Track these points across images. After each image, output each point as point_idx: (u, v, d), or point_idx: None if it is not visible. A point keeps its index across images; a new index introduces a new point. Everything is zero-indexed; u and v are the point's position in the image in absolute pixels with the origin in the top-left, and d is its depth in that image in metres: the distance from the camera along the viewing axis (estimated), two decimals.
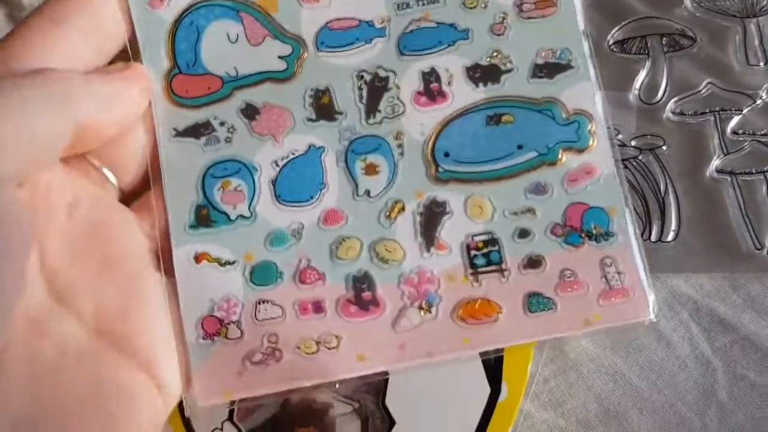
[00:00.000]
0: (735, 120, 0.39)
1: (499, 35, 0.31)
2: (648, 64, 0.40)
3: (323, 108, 0.31)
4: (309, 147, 0.31)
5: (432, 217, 0.30)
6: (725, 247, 0.39)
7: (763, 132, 0.39)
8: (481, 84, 0.31)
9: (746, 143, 0.39)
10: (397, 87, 0.31)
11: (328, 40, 0.31)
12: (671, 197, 0.39)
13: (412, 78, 0.31)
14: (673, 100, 0.39)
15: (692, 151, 0.39)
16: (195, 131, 0.31)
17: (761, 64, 0.40)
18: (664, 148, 0.39)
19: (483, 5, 0.31)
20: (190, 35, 0.31)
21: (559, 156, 0.30)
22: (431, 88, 0.31)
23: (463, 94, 0.31)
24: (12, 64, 0.27)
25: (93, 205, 0.29)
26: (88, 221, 0.28)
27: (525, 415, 0.38)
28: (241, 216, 0.30)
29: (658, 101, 0.39)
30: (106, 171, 0.30)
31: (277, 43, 0.31)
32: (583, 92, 0.31)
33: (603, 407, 0.38)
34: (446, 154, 0.31)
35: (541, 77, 0.31)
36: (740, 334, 0.39)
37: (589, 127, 0.30)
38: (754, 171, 0.39)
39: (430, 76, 0.31)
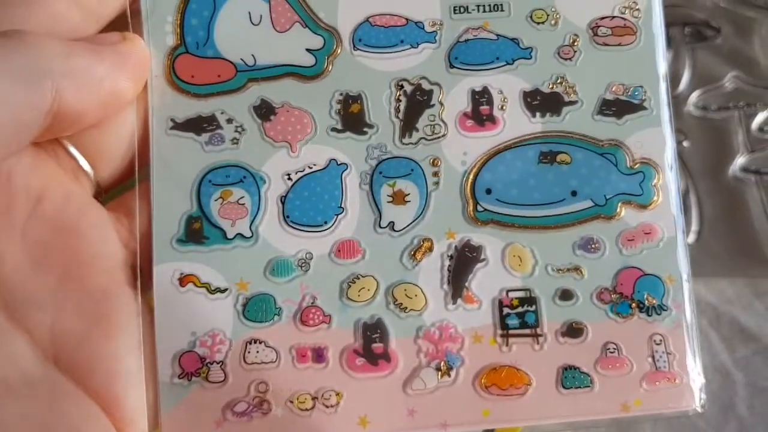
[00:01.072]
0: (761, 116, 0.37)
1: (566, 59, 0.26)
2: (669, 54, 0.36)
3: (352, 118, 0.26)
4: (329, 162, 0.26)
5: (463, 262, 0.26)
6: (748, 251, 0.36)
7: None
8: (538, 114, 0.26)
9: None
10: (441, 104, 0.26)
11: (368, 37, 0.26)
12: (692, 197, 0.36)
13: (459, 96, 0.26)
14: (695, 93, 0.36)
15: (715, 147, 0.37)
16: (196, 125, 0.26)
17: None
18: (685, 144, 0.36)
19: (553, 22, 0.26)
20: (205, 9, 0.26)
21: (618, 210, 0.26)
22: (480, 111, 0.26)
23: (516, 122, 0.26)
24: None
25: (62, 202, 0.24)
26: (54, 221, 0.24)
27: None
28: (240, 235, 0.25)
29: (680, 93, 0.36)
30: (81, 160, 0.25)
31: (307, 33, 0.26)
32: (654, 139, 0.26)
33: (615, 418, 0.35)
34: (488, 191, 0.26)
35: (608, 115, 0.26)
36: (762, 344, 0.37)
37: (655, 180, 0.26)
38: None
39: (481, 97, 0.26)
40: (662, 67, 0.26)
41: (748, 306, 0.37)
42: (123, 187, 0.26)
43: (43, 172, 0.24)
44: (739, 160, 0.36)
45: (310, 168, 0.26)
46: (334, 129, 0.26)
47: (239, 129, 0.26)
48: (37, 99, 0.21)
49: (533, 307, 0.26)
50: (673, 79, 0.36)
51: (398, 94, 0.26)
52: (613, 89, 0.27)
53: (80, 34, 0.24)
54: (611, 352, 0.26)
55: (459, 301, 0.25)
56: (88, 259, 0.24)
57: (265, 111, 0.26)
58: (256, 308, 0.25)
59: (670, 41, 0.36)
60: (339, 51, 0.26)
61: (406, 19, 0.26)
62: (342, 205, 0.26)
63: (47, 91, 0.21)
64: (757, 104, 0.37)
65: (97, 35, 0.24)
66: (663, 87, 0.26)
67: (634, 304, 0.26)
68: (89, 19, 0.24)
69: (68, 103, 0.22)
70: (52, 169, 0.24)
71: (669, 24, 0.35)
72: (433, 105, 0.26)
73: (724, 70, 0.37)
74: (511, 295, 0.26)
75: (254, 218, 0.25)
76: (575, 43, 0.26)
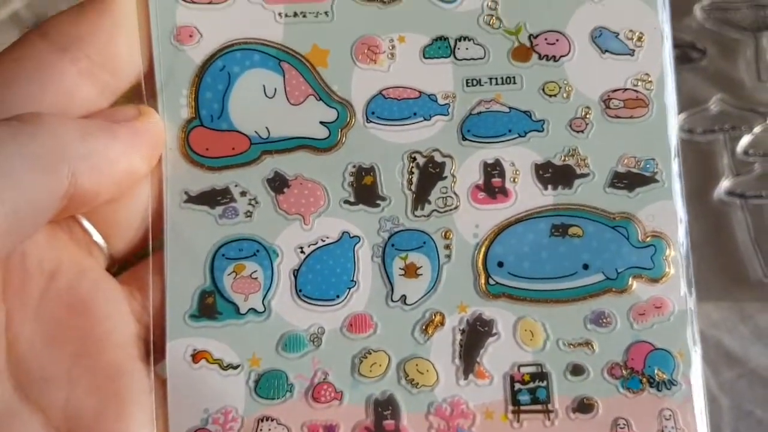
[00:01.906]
0: (746, 139, 0.37)
1: (578, 132, 0.26)
2: None
3: (365, 190, 0.26)
4: (342, 235, 0.26)
5: (475, 337, 0.26)
6: (733, 274, 0.37)
7: None
8: (550, 186, 0.26)
9: (757, 164, 0.37)
10: (453, 177, 0.26)
11: (381, 109, 0.26)
12: None
13: (472, 168, 0.26)
14: (681, 116, 0.36)
15: (700, 170, 0.37)
16: (210, 198, 0.26)
17: None
18: None
19: (565, 95, 0.26)
20: (220, 82, 0.26)
21: (629, 283, 0.26)
22: (492, 184, 0.26)
23: (528, 195, 0.26)
24: None
25: (75, 277, 0.24)
26: (67, 297, 0.24)
27: None
28: (253, 310, 0.25)
29: None
30: (95, 234, 0.25)
31: (321, 105, 0.26)
32: (665, 212, 0.26)
33: None
34: (500, 264, 0.26)
35: (619, 188, 0.26)
36: (747, 368, 0.37)
37: (666, 253, 0.26)
38: (764, 194, 0.37)
39: (493, 169, 0.26)
40: (674, 139, 0.27)
41: (733, 329, 0.37)
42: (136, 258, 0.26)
43: (57, 248, 0.24)
44: (725, 184, 0.37)
45: (323, 241, 0.26)
46: (346, 201, 0.26)
47: (253, 202, 0.26)
48: (54, 184, 0.21)
49: (544, 383, 0.26)
50: None
51: (411, 166, 0.26)
52: (625, 162, 0.27)
53: (94, 108, 0.24)
54: (621, 428, 0.26)
55: (470, 376, 0.26)
56: (102, 335, 0.24)
57: (278, 183, 0.26)
58: (268, 385, 0.25)
59: None
60: (352, 123, 0.26)
61: (419, 92, 0.26)
62: (354, 279, 0.26)
63: (64, 176, 0.21)
64: (743, 127, 0.37)
65: (113, 110, 0.25)
66: (674, 158, 0.26)
67: (644, 379, 0.26)
68: (103, 93, 0.24)
69: (84, 185, 0.22)
70: (65, 243, 0.24)
71: None
72: (446, 177, 0.26)
73: (710, 92, 0.37)
74: (523, 370, 0.26)
75: (267, 292, 0.25)
76: (587, 116, 0.27)
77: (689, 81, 0.37)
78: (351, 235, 0.26)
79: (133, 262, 0.26)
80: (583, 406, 0.26)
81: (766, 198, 0.37)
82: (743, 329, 0.37)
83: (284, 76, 0.26)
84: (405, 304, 0.26)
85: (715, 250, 0.36)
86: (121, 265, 0.26)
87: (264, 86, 0.26)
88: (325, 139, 0.26)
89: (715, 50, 0.37)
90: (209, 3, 0.26)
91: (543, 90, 0.26)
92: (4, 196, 0.20)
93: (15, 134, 0.21)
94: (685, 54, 0.37)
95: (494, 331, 0.26)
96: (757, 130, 0.37)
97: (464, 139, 0.26)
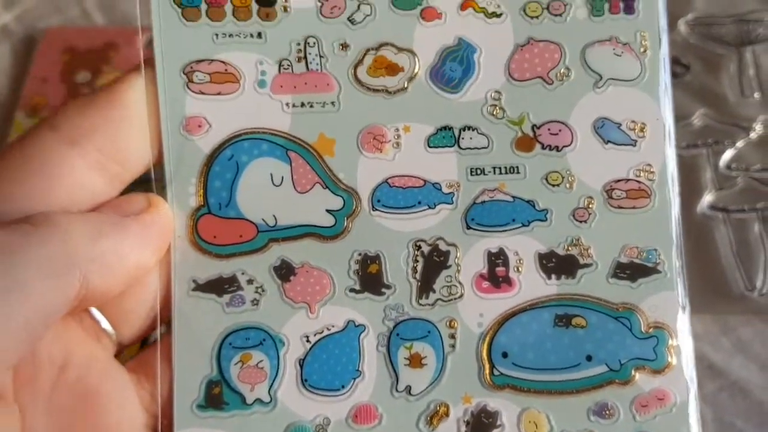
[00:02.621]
0: (728, 153, 0.38)
1: (581, 222, 0.27)
2: None
3: (370, 278, 0.26)
4: (348, 323, 0.26)
5: (480, 429, 0.26)
6: (715, 287, 0.37)
7: (756, 167, 0.38)
8: (554, 276, 0.27)
9: (739, 178, 0.38)
10: (458, 265, 0.27)
11: (387, 198, 0.27)
12: None
13: (476, 257, 0.27)
14: None
15: (683, 184, 0.37)
16: (218, 287, 0.26)
17: (756, 95, 0.39)
18: None
19: (568, 185, 0.27)
20: (228, 171, 0.26)
21: (632, 375, 0.26)
22: (496, 273, 0.27)
23: (532, 284, 0.27)
24: (7, 192, 0.23)
25: (85, 367, 0.24)
26: (77, 387, 0.24)
27: None
28: (259, 400, 0.25)
29: None
30: (104, 322, 0.25)
31: (328, 194, 0.26)
32: (667, 303, 0.27)
33: None
34: (504, 355, 0.26)
35: (622, 278, 0.27)
36: (729, 380, 0.37)
37: (669, 343, 0.26)
38: (746, 208, 0.37)
39: (497, 258, 0.27)
40: (675, 228, 0.27)
41: (715, 342, 0.38)
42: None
43: (67, 338, 0.24)
44: (707, 198, 0.37)
45: (329, 330, 0.26)
46: (352, 290, 0.26)
47: (259, 290, 0.26)
48: (65, 289, 0.21)
49: None
50: None
51: (416, 254, 0.26)
52: (628, 252, 0.27)
53: (104, 198, 0.25)
54: None
55: None
56: (111, 425, 0.24)
57: (284, 271, 0.26)
58: None
59: None
60: (358, 211, 0.26)
61: (424, 181, 0.27)
62: (359, 368, 0.26)
63: (75, 279, 0.22)
64: (726, 142, 0.38)
65: (122, 200, 0.25)
66: (675, 249, 0.27)
67: None
68: (113, 183, 0.25)
69: (95, 285, 0.22)
70: (75, 333, 0.24)
71: None
72: (450, 266, 0.27)
73: (694, 107, 0.38)
74: None
75: (273, 382, 0.26)
76: (590, 206, 0.27)
77: (673, 96, 0.37)
78: (356, 324, 0.26)
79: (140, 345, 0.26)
80: None
81: (748, 212, 0.37)
82: (725, 342, 0.38)
83: (291, 165, 0.26)
84: (410, 394, 0.26)
85: (698, 263, 0.36)
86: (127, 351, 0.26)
87: (271, 174, 0.26)
88: (331, 227, 0.26)
89: (700, 65, 0.38)
90: (218, 94, 0.26)
91: (546, 180, 0.27)
92: (17, 309, 0.20)
93: (26, 241, 0.21)
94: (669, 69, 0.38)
95: (498, 422, 0.26)
96: (739, 144, 0.38)
97: (468, 227, 0.27)
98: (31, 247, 0.21)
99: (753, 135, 0.38)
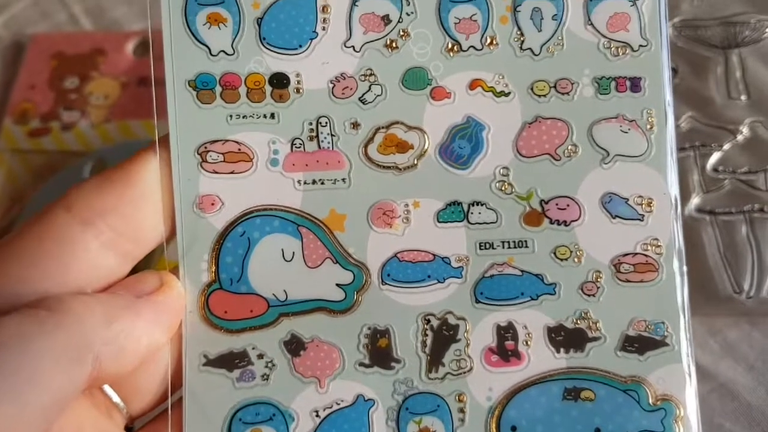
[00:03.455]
0: (715, 156, 0.38)
1: (590, 295, 0.27)
2: None
3: (379, 352, 0.27)
4: (357, 398, 0.26)
5: None
6: (702, 289, 0.37)
7: (743, 169, 0.38)
8: (562, 350, 0.27)
9: (726, 181, 0.38)
10: (467, 339, 0.27)
11: (396, 272, 0.27)
12: None
13: (485, 331, 0.27)
14: None
15: None
16: (228, 362, 0.26)
17: (743, 97, 0.38)
18: None
19: (576, 259, 0.27)
20: (239, 247, 0.27)
21: None
22: (506, 346, 0.27)
23: (541, 358, 0.27)
24: (22, 274, 0.23)
25: None
26: None
27: None
28: None
29: None
30: (115, 397, 0.25)
31: (338, 269, 0.27)
32: (674, 376, 0.27)
33: None
34: (513, 429, 0.26)
35: (630, 351, 0.27)
36: (717, 381, 0.37)
37: (676, 413, 0.26)
38: (733, 210, 0.37)
39: (506, 332, 0.27)
40: (682, 299, 0.27)
41: (703, 344, 0.38)
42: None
43: (78, 415, 0.24)
44: (695, 200, 0.37)
45: (338, 405, 0.26)
46: (361, 364, 0.27)
47: (270, 365, 0.26)
48: (79, 373, 0.22)
49: None
50: None
51: (425, 328, 0.27)
52: (636, 325, 0.27)
53: (116, 276, 0.25)
54: None
55: None
56: None
57: (295, 346, 0.27)
58: None
59: None
60: (368, 286, 0.27)
61: (433, 255, 0.27)
62: None
63: (88, 363, 0.22)
64: (713, 144, 0.38)
65: (135, 280, 0.25)
66: (683, 321, 0.27)
67: None
68: (126, 260, 0.25)
69: (108, 367, 0.23)
70: (86, 409, 0.25)
71: None
72: (459, 340, 0.27)
73: (681, 110, 0.38)
74: None
75: None
76: (598, 279, 0.27)
77: None
78: (366, 399, 0.26)
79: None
80: None
81: (735, 214, 0.37)
82: (713, 344, 0.38)
83: (302, 241, 0.27)
84: None
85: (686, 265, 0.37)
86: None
87: (282, 250, 0.27)
88: (341, 301, 0.27)
89: (686, 68, 0.38)
90: (231, 173, 0.27)
91: (555, 254, 0.27)
92: (32, 398, 0.20)
93: (41, 329, 0.21)
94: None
95: None
96: (726, 147, 0.38)
97: (477, 301, 0.27)
98: (45, 334, 0.21)
99: (740, 137, 0.38)
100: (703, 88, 0.38)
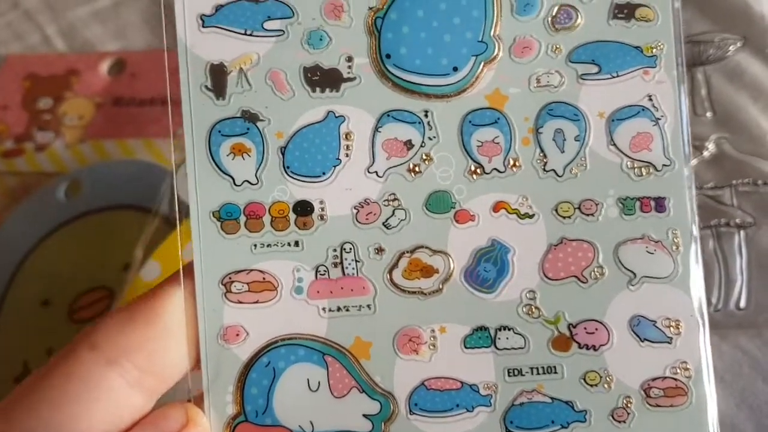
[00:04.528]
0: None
1: (620, 422, 0.27)
2: None
3: None
4: None
5: None
6: None
7: (710, 185, 0.38)
8: None
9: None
10: None
11: (424, 401, 0.26)
12: None
13: None
14: None
15: None
16: None
17: (708, 114, 0.39)
18: None
19: (606, 384, 0.27)
20: (265, 378, 0.26)
21: None
22: None
23: None
24: (47, 416, 0.23)
25: None
26: None
27: None
28: None
29: None
30: None
31: (365, 398, 0.26)
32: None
33: None
34: None
35: None
36: None
37: None
38: (701, 225, 0.37)
39: None
40: (713, 425, 0.27)
41: None
42: None
43: None
44: None
45: None
46: None
47: None
48: None
49: None
50: None
51: None
52: None
53: (141, 414, 0.25)
54: None
55: None
56: None
57: None
58: None
59: None
60: (395, 416, 0.26)
61: (461, 383, 0.27)
62: None
63: None
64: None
65: (160, 417, 0.25)
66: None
67: None
68: (150, 397, 0.25)
69: None
70: None
71: None
72: None
73: None
74: None
75: None
76: (628, 405, 0.27)
77: None
78: None
79: None
80: None
81: (703, 229, 0.37)
82: None
83: (328, 370, 0.26)
84: None
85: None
86: None
87: (308, 380, 0.26)
88: None
89: None
90: (255, 302, 0.26)
91: (584, 380, 0.27)
92: None
93: None
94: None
95: None
96: (693, 163, 0.38)
97: (507, 430, 0.26)
98: None
99: (706, 153, 0.39)
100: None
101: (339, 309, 0.27)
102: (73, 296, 0.42)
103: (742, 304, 0.39)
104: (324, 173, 0.27)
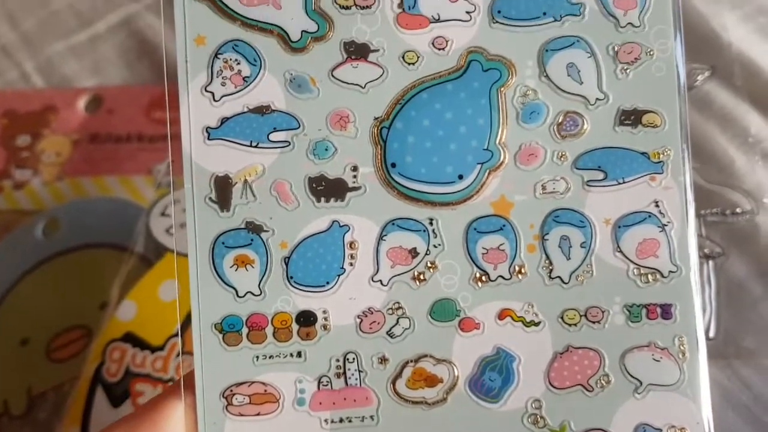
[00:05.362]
0: None
1: None
2: None
3: None
4: None
5: None
6: None
7: None
8: None
9: None
10: None
11: None
12: None
13: None
14: None
15: None
16: None
17: None
18: None
19: None
20: None
21: None
22: None
23: None
24: None
25: None
26: None
27: None
28: None
29: None
30: None
31: None
32: None
33: None
34: None
35: None
36: None
37: None
38: None
39: None
40: None
41: None
42: None
43: None
44: None
45: None
46: None
47: None
48: None
49: None
50: None
51: None
52: None
53: None
54: None
55: None
56: None
57: None
58: None
59: None
60: None
61: None
62: None
63: None
64: None
65: None
66: None
67: None
68: None
69: None
70: None
71: None
72: None
73: None
74: None
75: None
76: None
77: None
78: None
79: None
80: None
81: None
82: None
83: None
84: None
85: None
86: None
87: None
88: None
89: None
90: (257, 414, 0.26)
91: None
92: None
93: None
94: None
95: None
96: None
97: None
98: None
99: None
100: None
101: (342, 420, 0.26)
102: (51, 335, 0.42)
103: (711, 334, 0.38)
104: (328, 283, 0.26)
